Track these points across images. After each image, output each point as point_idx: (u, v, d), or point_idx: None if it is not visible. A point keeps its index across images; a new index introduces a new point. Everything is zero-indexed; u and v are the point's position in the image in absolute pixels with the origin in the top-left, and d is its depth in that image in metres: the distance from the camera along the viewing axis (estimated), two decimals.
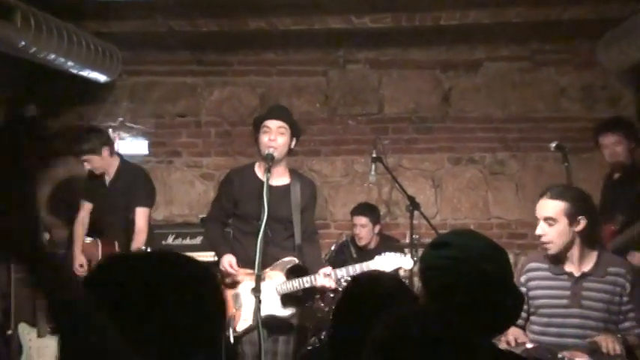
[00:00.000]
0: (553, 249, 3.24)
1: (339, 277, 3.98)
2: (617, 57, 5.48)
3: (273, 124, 3.97)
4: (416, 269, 4.22)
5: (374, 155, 4.76)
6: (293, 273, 4.04)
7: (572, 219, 3.17)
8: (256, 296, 3.69)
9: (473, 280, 1.92)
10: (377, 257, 4.13)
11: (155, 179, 6.15)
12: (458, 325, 1.57)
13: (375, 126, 6.15)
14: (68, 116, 6.17)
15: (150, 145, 6.19)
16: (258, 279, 3.69)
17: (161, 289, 1.50)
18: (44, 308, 4.61)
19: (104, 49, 5.53)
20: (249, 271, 3.89)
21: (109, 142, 5.06)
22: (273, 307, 3.91)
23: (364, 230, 5.29)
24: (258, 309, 3.68)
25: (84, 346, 1.32)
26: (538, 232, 3.23)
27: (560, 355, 2.95)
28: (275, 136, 3.94)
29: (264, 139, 3.97)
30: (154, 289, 1.49)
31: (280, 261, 3.97)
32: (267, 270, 3.92)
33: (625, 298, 3.22)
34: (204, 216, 5.85)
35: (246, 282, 3.95)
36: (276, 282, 3.95)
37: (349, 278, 3.87)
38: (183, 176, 6.26)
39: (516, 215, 6.05)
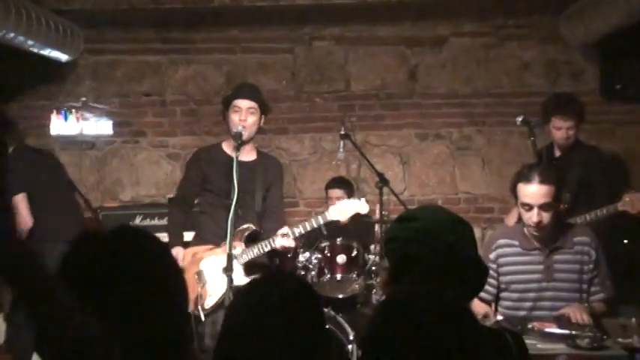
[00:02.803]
0: (545, 230, 3.26)
1: (296, 234, 3.99)
2: (580, 31, 5.55)
3: (243, 103, 3.99)
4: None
5: (342, 132, 4.75)
6: (252, 240, 4.06)
7: (559, 200, 3.22)
8: (228, 275, 3.66)
9: (436, 250, 1.95)
10: (331, 207, 4.12)
11: (121, 160, 6.11)
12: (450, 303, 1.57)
13: (343, 103, 6.14)
14: (29, 97, 6.05)
15: (114, 125, 6.10)
16: (230, 258, 3.67)
17: (122, 265, 1.53)
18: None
19: (65, 27, 5.40)
20: (209, 246, 3.95)
21: None
22: (236, 277, 3.85)
23: None
24: (230, 288, 3.66)
25: (62, 333, 1.31)
26: (535, 219, 3.20)
27: (529, 325, 3.01)
28: (245, 116, 3.98)
29: (234, 118, 3.99)
30: (115, 265, 1.52)
31: (237, 230, 3.92)
32: (224, 243, 3.91)
33: (591, 266, 3.32)
34: (172, 196, 5.85)
35: (207, 259, 3.97)
36: (236, 252, 3.89)
37: (303, 231, 3.95)
38: (149, 156, 6.18)
39: (483, 190, 6.12)
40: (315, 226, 4.05)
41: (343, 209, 4.10)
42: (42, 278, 1.33)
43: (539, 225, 3.21)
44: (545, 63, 6.09)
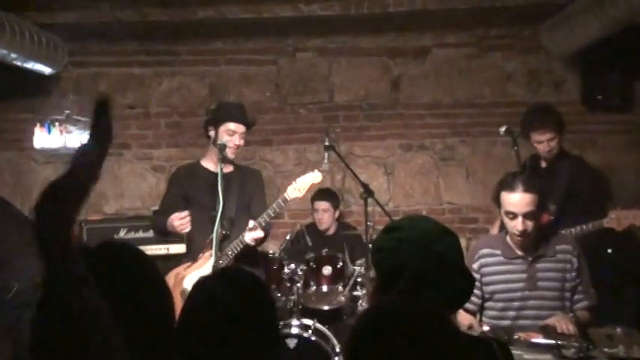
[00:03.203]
0: (529, 239, 3.28)
1: (263, 224, 3.96)
2: (561, 42, 5.61)
3: (239, 128, 4.01)
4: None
5: (326, 143, 4.75)
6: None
7: (543, 208, 3.24)
8: None
9: (423, 260, 1.96)
10: (289, 187, 4.08)
11: (105, 172, 6.06)
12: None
13: (326, 114, 6.16)
14: (12, 110, 6.02)
15: None
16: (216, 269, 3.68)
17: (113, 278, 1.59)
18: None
19: (48, 40, 5.39)
20: (187, 264, 3.97)
21: None
22: None
23: (326, 215, 5.37)
24: None
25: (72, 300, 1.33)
26: (519, 228, 3.20)
27: (515, 336, 3.02)
28: (239, 141, 4.01)
29: (224, 137, 3.98)
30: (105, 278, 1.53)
31: (209, 239, 3.90)
32: (202, 254, 3.94)
33: (574, 274, 3.34)
34: (157, 208, 5.83)
35: (189, 276, 3.95)
36: (211, 260, 3.86)
37: (268, 219, 3.94)
38: (133, 169, 6.17)
39: (467, 200, 6.15)
40: (277, 210, 4.00)
41: (299, 185, 4.06)
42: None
43: (523, 233, 3.22)
44: (527, 73, 6.15)
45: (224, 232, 3.97)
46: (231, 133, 3.98)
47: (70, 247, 1.35)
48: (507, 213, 3.25)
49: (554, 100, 5.64)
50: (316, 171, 4.16)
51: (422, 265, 1.96)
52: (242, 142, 4.05)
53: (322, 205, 5.39)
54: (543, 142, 4.57)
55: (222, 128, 3.99)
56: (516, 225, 3.21)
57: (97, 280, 1.51)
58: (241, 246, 3.97)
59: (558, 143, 4.60)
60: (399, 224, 2.16)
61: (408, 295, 1.91)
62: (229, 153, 3.95)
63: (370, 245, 4.24)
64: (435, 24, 5.97)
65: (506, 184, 3.27)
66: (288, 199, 4.04)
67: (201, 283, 1.84)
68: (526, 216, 3.20)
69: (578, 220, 4.20)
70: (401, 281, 1.95)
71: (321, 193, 5.43)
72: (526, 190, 3.20)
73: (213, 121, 4.06)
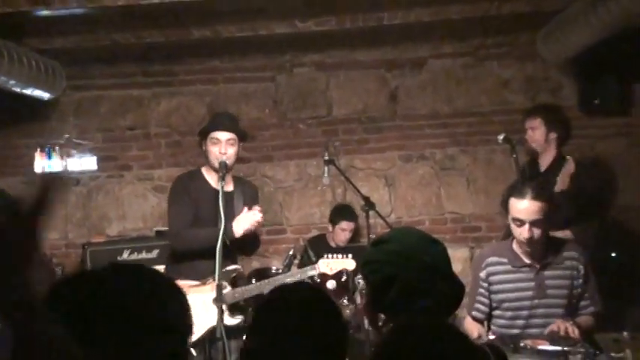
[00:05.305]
0: (537, 246, 3.27)
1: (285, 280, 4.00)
2: (556, 48, 5.63)
3: (222, 135, 3.95)
4: None
5: (326, 158, 4.76)
6: (238, 282, 4.06)
7: (550, 217, 3.23)
8: (218, 306, 3.64)
9: (412, 270, 2.00)
10: (321, 260, 4.16)
11: (106, 194, 6.10)
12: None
13: (326, 128, 6.18)
14: (12, 135, 6.04)
15: (99, 160, 6.09)
16: (220, 288, 3.65)
17: (124, 303, 1.50)
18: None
19: (47, 66, 5.42)
20: (193, 283, 3.84)
21: None
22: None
23: (348, 233, 5.45)
24: (221, 319, 3.63)
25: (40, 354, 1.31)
26: (526, 235, 3.20)
27: (522, 344, 3.01)
28: (225, 149, 3.94)
29: (213, 150, 3.95)
30: (117, 302, 1.49)
31: (225, 270, 3.84)
32: (211, 279, 3.83)
33: (580, 280, 3.33)
34: (160, 229, 5.83)
35: (192, 295, 3.88)
36: (225, 292, 3.82)
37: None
38: (134, 190, 6.18)
39: (469, 209, 6.15)
40: (303, 276, 4.09)
41: (332, 265, 4.16)
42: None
43: (530, 241, 3.22)
44: (524, 80, 6.17)
45: (241, 271, 4.00)
46: (216, 141, 3.94)
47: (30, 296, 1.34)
48: (515, 220, 3.24)
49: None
50: (350, 258, 4.20)
51: (411, 275, 2.00)
52: (230, 150, 3.94)
53: (351, 225, 5.43)
54: (528, 130, 4.67)
55: (208, 139, 3.97)
56: (523, 232, 3.21)
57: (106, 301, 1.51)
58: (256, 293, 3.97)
59: (546, 135, 4.62)
60: (386, 237, 2.20)
61: (402, 305, 1.99)
62: (228, 162, 3.90)
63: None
64: (430, 35, 6.00)
65: (516, 191, 3.28)
66: (318, 271, 4.12)
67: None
68: (533, 223, 3.19)
69: (580, 220, 4.20)
70: (391, 292, 1.99)
71: (348, 213, 5.50)
72: (534, 197, 3.19)
73: (201, 134, 4.07)
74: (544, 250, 3.32)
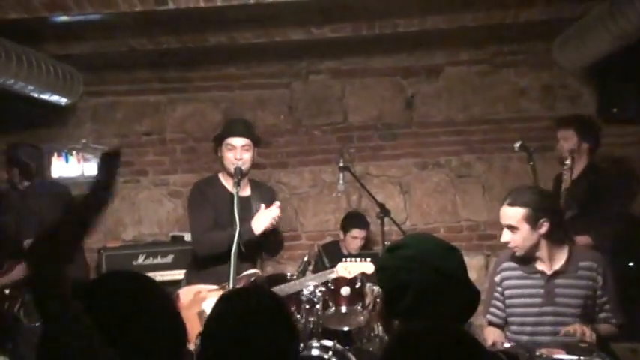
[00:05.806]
0: (520, 252, 3.31)
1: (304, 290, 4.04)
2: (573, 56, 5.60)
3: (237, 141, 3.98)
4: None
5: (341, 164, 4.76)
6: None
7: (533, 223, 3.22)
8: None
9: (427, 277, 1.99)
10: (340, 264, 4.18)
11: (122, 199, 6.13)
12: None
13: (341, 135, 6.18)
14: (30, 140, 6.08)
15: None
16: None
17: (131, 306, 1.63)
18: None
19: (64, 71, 5.47)
20: (213, 287, 3.88)
21: None
22: None
23: (360, 240, 5.45)
24: None
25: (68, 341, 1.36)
26: (503, 239, 3.29)
27: (537, 352, 2.98)
28: (240, 154, 3.97)
29: (228, 156, 3.98)
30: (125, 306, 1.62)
31: (244, 274, 3.90)
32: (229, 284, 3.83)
33: (599, 292, 3.29)
34: (175, 234, 5.86)
35: (210, 299, 3.91)
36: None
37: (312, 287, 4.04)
38: (150, 195, 6.21)
39: (485, 217, 6.12)
40: (322, 279, 4.14)
41: (351, 268, 4.19)
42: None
43: (508, 245, 3.28)
44: (541, 88, 6.14)
45: (260, 274, 4.02)
46: (231, 147, 3.98)
47: (66, 288, 1.39)
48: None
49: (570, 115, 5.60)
50: (369, 262, 4.21)
51: (426, 281, 1.98)
52: (246, 156, 3.97)
53: (362, 233, 5.42)
54: (560, 141, 4.68)
55: (223, 145, 4.01)
56: (502, 236, 3.28)
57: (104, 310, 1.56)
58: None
59: (578, 145, 4.63)
60: (402, 243, 2.19)
61: (416, 311, 1.98)
62: (243, 168, 3.93)
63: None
64: (446, 42, 5.99)
65: (505, 196, 3.35)
66: (337, 274, 4.15)
67: (221, 305, 1.98)
68: (508, 228, 3.25)
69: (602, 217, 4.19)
70: (406, 298, 1.97)
71: (361, 221, 5.50)
72: (510, 203, 3.25)
73: (216, 140, 4.10)
74: (555, 257, 3.30)
